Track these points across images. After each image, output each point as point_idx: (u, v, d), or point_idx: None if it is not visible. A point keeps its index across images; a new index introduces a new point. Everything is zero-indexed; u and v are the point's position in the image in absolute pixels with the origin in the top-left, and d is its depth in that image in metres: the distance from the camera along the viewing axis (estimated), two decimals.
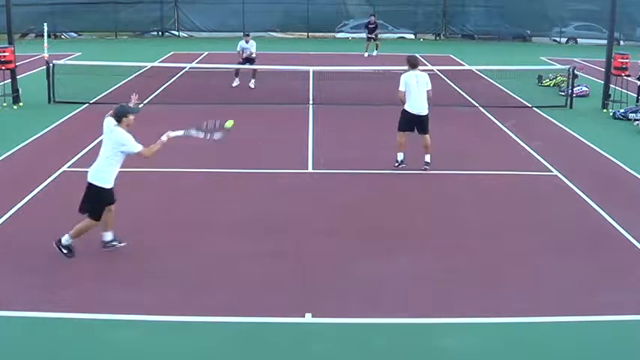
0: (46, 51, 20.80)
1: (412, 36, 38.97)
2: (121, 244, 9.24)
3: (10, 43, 18.66)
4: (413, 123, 12.81)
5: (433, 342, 7.31)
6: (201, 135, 9.20)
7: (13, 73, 18.57)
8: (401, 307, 7.95)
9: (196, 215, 10.68)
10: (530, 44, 37.46)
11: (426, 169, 12.80)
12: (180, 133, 9.06)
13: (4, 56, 18.04)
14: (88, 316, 7.61)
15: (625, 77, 18.89)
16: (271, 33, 37.49)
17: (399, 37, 38.07)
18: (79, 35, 37.78)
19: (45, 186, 11.90)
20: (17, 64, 18.83)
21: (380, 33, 30.59)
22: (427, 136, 12.81)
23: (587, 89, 21.07)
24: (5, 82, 18.47)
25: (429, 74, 13.34)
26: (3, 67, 18.19)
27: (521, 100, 20.15)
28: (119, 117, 8.90)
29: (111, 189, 8.95)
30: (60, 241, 9.01)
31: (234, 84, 21.27)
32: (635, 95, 19.14)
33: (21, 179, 12.23)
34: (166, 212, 10.46)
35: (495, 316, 7.75)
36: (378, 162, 13.45)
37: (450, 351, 7.14)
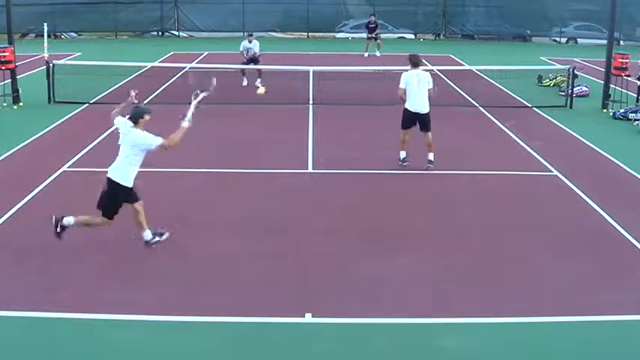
0: (46, 51, 20.81)
1: (412, 36, 38.95)
2: (164, 237, 9.22)
3: (10, 43, 18.66)
4: (414, 120, 12.83)
5: (433, 342, 7.31)
6: (203, 94, 9.25)
7: (13, 73, 18.57)
8: (401, 307, 7.95)
9: (196, 215, 10.67)
10: (530, 44, 37.46)
11: (429, 168, 12.81)
12: (192, 109, 9.09)
13: (4, 56, 18.05)
14: (88, 316, 7.61)
15: (625, 77, 18.89)
16: (271, 33, 37.48)
17: (399, 37, 38.06)
18: (79, 35, 37.77)
19: (45, 186, 11.90)
20: (17, 64, 18.83)
21: (380, 33, 30.56)
22: (429, 134, 12.82)
23: (587, 89, 21.07)
24: (5, 82, 18.47)
25: (430, 73, 13.34)
26: (3, 67, 18.20)
27: (521, 100, 20.15)
28: (136, 119, 8.95)
29: (129, 188, 8.98)
30: (62, 218, 8.99)
31: (244, 83, 21.29)
32: (635, 95, 19.14)
33: (21, 179, 12.23)
34: (166, 212, 10.44)
35: (495, 316, 7.75)
36: (378, 162, 13.45)
37: (450, 351, 7.14)
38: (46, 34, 22.90)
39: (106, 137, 15.20)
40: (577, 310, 7.95)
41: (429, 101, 12.82)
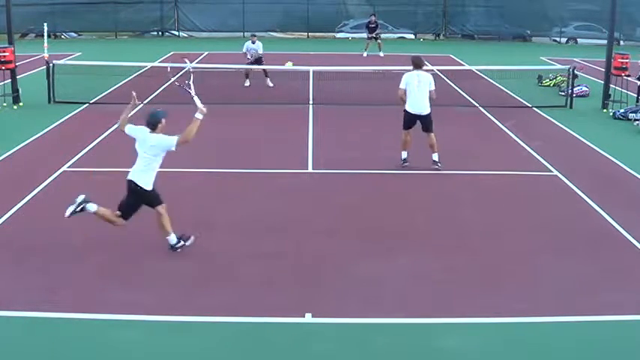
0: (46, 51, 20.80)
1: (412, 36, 38.95)
2: (189, 242, 9.23)
3: (10, 43, 18.66)
4: (415, 121, 12.83)
5: (433, 342, 7.31)
6: (190, 81, 9.48)
7: (13, 73, 18.57)
8: (401, 307, 7.95)
9: (196, 215, 10.67)
10: (530, 44, 37.46)
11: (435, 169, 12.80)
12: (197, 101, 9.15)
13: (4, 56, 18.05)
14: (88, 316, 7.61)
15: (625, 77, 18.89)
16: (271, 33, 37.47)
17: (399, 37, 38.07)
18: (79, 35, 37.77)
19: (45, 186, 11.90)
20: (17, 64, 18.84)
21: (380, 33, 30.54)
22: (432, 134, 12.81)
23: (587, 89, 21.07)
24: (5, 82, 18.48)
25: (431, 74, 13.33)
26: (3, 67, 18.20)
27: (521, 100, 20.15)
28: (155, 124, 8.97)
29: (151, 191, 9.00)
30: (87, 200, 9.01)
31: (246, 84, 21.30)
32: (635, 95, 19.14)
33: (21, 179, 12.23)
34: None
35: (495, 316, 7.75)
36: (378, 162, 13.45)
37: (450, 351, 7.14)
38: (46, 34, 22.90)
39: (106, 137, 15.22)
40: (577, 310, 7.95)
41: (430, 103, 12.80)
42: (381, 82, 20.07)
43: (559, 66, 23.53)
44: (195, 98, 9.25)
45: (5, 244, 9.55)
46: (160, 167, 11.33)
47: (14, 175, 12.60)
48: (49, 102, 18.81)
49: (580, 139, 15.78)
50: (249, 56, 21.55)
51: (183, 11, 38.44)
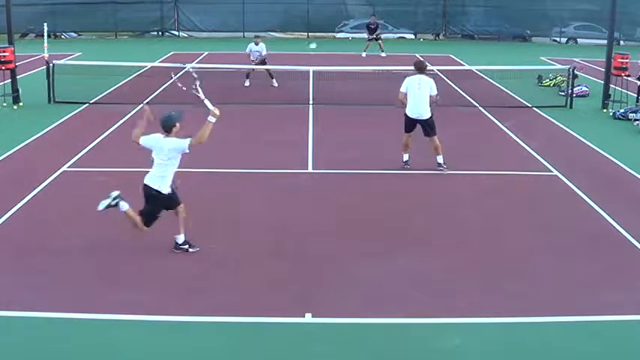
0: (46, 51, 20.81)
1: (412, 36, 38.94)
2: (192, 250, 9.25)
3: (10, 43, 18.66)
4: (415, 125, 12.83)
5: (433, 342, 7.31)
6: (197, 83, 9.40)
7: (13, 73, 18.57)
8: (401, 307, 7.95)
9: (196, 215, 10.65)
10: (530, 44, 37.45)
11: (440, 171, 12.79)
12: (207, 104, 9.13)
13: (4, 56, 18.04)
14: (88, 316, 7.61)
15: (625, 77, 18.89)
16: (271, 33, 37.47)
17: (399, 37, 38.05)
18: (79, 35, 37.77)
19: (45, 186, 11.90)
20: (17, 64, 18.82)
21: (380, 33, 30.51)
22: (435, 138, 12.80)
23: (587, 89, 21.07)
24: (5, 82, 18.47)
25: (432, 76, 13.31)
26: (3, 67, 18.19)
27: (521, 100, 20.15)
28: (170, 128, 8.96)
29: (169, 194, 9.02)
30: (122, 197, 9.03)
31: (246, 84, 21.28)
32: (635, 95, 19.14)
33: (21, 179, 12.23)
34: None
35: (495, 316, 7.75)
36: (378, 162, 13.45)
37: (450, 351, 7.14)
38: (46, 34, 22.91)
39: (106, 137, 15.23)
40: (577, 310, 7.95)
41: (431, 107, 12.76)
42: (381, 82, 20.09)
43: (559, 66, 23.52)
44: (206, 101, 9.21)
45: (5, 244, 9.55)
46: None
47: (14, 175, 12.60)
48: (49, 102, 18.81)
49: (580, 139, 15.78)
50: (252, 58, 21.50)
51: (183, 11, 38.42)
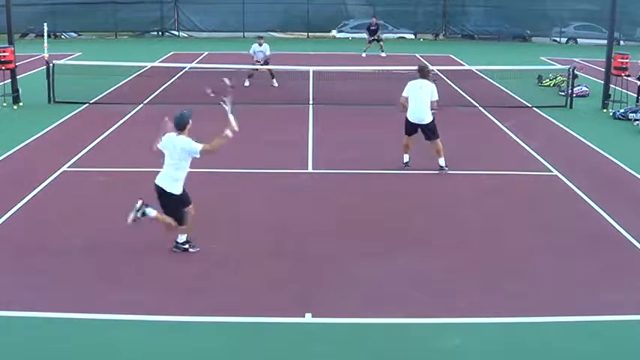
0: (46, 51, 20.81)
1: (412, 36, 38.95)
2: (191, 250, 9.24)
3: (10, 43, 18.66)
4: (416, 129, 12.84)
5: (433, 342, 7.31)
6: (228, 101, 9.35)
7: (13, 73, 18.57)
8: (401, 307, 7.95)
9: (197, 215, 10.65)
10: (530, 44, 37.46)
11: (441, 173, 12.79)
12: (231, 119, 9.17)
13: (4, 56, 18.04)
14: (88, 316, 7.61)
15: (625, 77, 18.89)
16: (271, 33, 37.48)
17: (399, 37, 38.06)
18: (79, 35, 37.78)
19: (45, 186, 11.90)
20: (17, 64, 18.82)
21: (381, 34, 30.47)
22: (437, 141, 12.79)
23: (587, 89, 21.07)
24: (5, 82, 18.47)
25: (434, 79, 13.30)
26: (3, 67, 18.19)
27: (521, 100, 20.15)
28: (183, 126, 8.96)
29: (179, 195, 9.02)
30: (146, 205, 9.03)
31: (246, 84, 21.25)
32: (635, 95, 19.14)
33: (21, 179, 12.23)
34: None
35: (495, 316, 7.75)
36: (378, 162, 13.45)
37: (450, 351, 7.14)
38: (46, 34, 22.92)
39: (106, 137, 15.23)
40: (577, 310, 7.95)
41: (432, 112, 12.75)
42: (381, 82, 20.10)
43: (559, 66, 23.53)
44: (230, 116, 9.19)
45: (5, 244, 9.55)
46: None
47: (14, 175, 12.60)
48: (49, 102, 18.81)
49: (580, 139, 15.78)
50: (257, 59, 21.46)
51: (183, 11, 38.44)
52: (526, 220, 10.79)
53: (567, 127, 16.81)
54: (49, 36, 25.50)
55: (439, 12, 39.13)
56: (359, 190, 12.16)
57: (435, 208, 11.31)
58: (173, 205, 9.06)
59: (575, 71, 19.97)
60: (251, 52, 21.67)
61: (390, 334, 7.47)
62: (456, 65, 26.45)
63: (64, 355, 6.98)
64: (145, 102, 18.83)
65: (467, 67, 24.80)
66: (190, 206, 9.21)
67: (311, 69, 21.39)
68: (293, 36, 38.46)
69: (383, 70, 22.91)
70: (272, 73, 21.46)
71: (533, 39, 38.42)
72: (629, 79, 19.05)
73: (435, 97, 12.69)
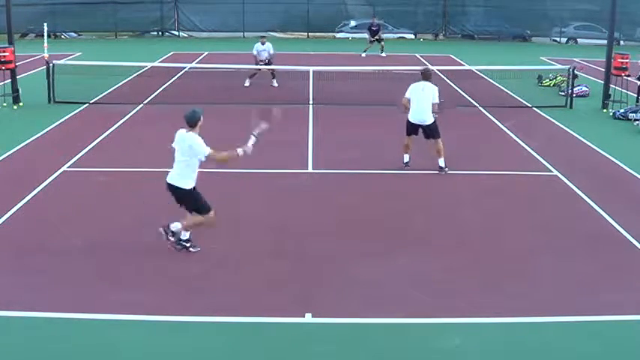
0: (46, 51, 20.81)
1: (412, 36, 38.96)
2: (192, 249, 9.24)
3: (10, 43, 18.66)
4: (417, 129, 12.84)
5: (433, 342, 7.31)
6: (261, 130, 9.38)
7: (13, 73, 18.57)
8: (401, 307, 7.95)
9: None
10: (530, 44, 37.46)
11: (441, 174, 12.79)
12: (252, 141, 9.22)
13: (4, 56, 18.04)
14: (88, 316, 7.61)
15: (625, 77, 18.89)
16: (271, 33, 37.47)
17: (399, 37, 38.06)
18: (79, 35, 37.78)
19: (45, 186, 11.90)
20: (17, 64, 18.82)
21: (382, 34, 30.46)
22: (438, 140, 12.79)
23: (587, 89, 21.07)
24: (5, 82, 18.47)
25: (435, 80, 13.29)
26: (3, 67, 18.19)
27: (521, 100, 20.15)
28: (194, 123, 8.94)
29: (191, 190, 9.01)
30: (168, 225, 9.01)
31: (246, 84, 21.24)
32: (635, 95, 19.14)
33: (21, 179, 12.23)
34: (167, 212, 10.44)
35: (495, 316, 7.75)
36: (378, 162, 13.45)
37: (450, 351, 7.14)
38: (46, 34, 22.91)
39: (106, 137, 15.22)
40: (577, 310, 7.95)
41: (434, 114, 12.74)
42: (381, 82, 20.11)
43: (559, 66, 23.54)
44: (253, 138, 9.18)
45: (5, 244, 9.55)
46: (160, 167, 11.33)
47: (14, 175, 12.60)
48: (49, 102, 18.80)
49: (580, 139, 15.78)
50: (261, 58, 21.41)
51: (183, 11, 38.45)
52: (526, 220, 10.79)
53: (567, 127, 16.81)
54: (49, 36, 25.50)
55: (439, 12, 39.13)
56: (359, 190, 12.16)
57: (435, 208, 11.31)
58: (190, 198, 9.03)
59: (575, 71, 19.97)
60: (254, 51, 21.63)
61: (390, 334, 7.47)
62: (456, 65, 26.45)
63: (64, 355, 6.98)
64: (145, 102, 18.83)
65: (467, 67, 24.81)
66: (212, 212, 9.11)
67: (311, 69, 21.39)
68: (293, 36, 38.46)
69: (383, 70, 22.90)
70: (273, 73, 21.45)
71: (533, 39, 38.42)
72: (629, 79, 19.05)
73: (437, 100, 12.70)
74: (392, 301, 8.10)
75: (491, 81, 22.51)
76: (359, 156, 13.95)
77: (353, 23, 29.69)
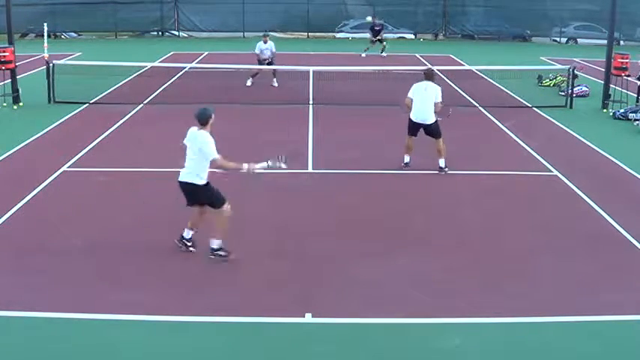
0: (46, 51, 20.81)
1: (412, 36, 38.96)
2: (194, 250, 9.25)
3: (10, 43, 18.66)
4: (419, 129, 12.84)
5: (433, 342, 7.31)
6: (277, 165, 9.34)
7: (13, 73, 18.57)
8: (401, 307, 7.95)
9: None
10: (530, 44, 37.47)
11: (441, 174, 12.79)
12: (261, 166, 9.19)
13: (4, 56, 18.04)
14: (88, 316, 7.61)
15: (625, 77, 18.89)
16: (271, 33, 37.43)
17: (399, 37, 38.06)
18: (79, 35, 37.78)
19: (45, 186, 11.90)
20: (17, 64, 18.82)
21: (383, 34, 30.44)
22: (439, 140, 12.79)
23: (587, 89, 21.07)
24: (5, 82, 18.47)
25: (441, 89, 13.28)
26: (3, 67, 18.19)
27: (521, 100, 20.15)
28: (206, 120, 8.93)
29: (204, 185, 9.00)
30: (184, 237, 9.13)
31: (248, 84, 21.21)
32: (635, 95, 19.15)
33: (21, 179, 12.23)
34: (167, 211, 10.45)
35: (495, 316, 7.75)
36: (378, 162, 13.45)
37: (450, 351, 7.14)
38: (46, 34, 22.92)
39: (106, 137, 15.23)
40: (577, 310, 7.95)
41: (436, 114, 12.74)
42: (381, 82, 20.11)
43: (559, 66, 23.54)
44: (265, 165, 9.21)
45: (5, 244, 9.55)
46: (160, 167, 11.35)
47: (14, 175, 12.60)
48: (49, 102, 18.81)
49: (580, 139, 15.79)
50: (264, 57, 21.39)
51: (183, 11, 38.45)
52: (526, 220, 10.79)
53: (567, 127, 16.81)
54: (49, 36, 25.50)
55: (439, 12, 39.14)
56: (359, 190, 12.16)
57: (435, 208, 11.31)
58: (204, 192, 9.02)
59: (575, 71, 19.97)
60: (257, 50, 21.60)
61: (390, 334, 7.47)
62: (456, 65, 26.45)
63: (64, 355, 6.98)
64: (145, 102, 18.83)
65: (467, 67, 24.80)
66: (227, 205, 9.10)
67: (311, 69, 21.39)
68: (293, 36, 38.46)
69: (383, 70, 22.90)
70: (274, 72, 21.45)
71: (533, 39, 38.43)
72: (629, 79, 19.06)
73: (439, 100, 12.70)
74: (392, 301, 8.10)
75: (491, 81, 22.51)
76: (359, 156, 13.95)
77: (369, 19, 30.00)
